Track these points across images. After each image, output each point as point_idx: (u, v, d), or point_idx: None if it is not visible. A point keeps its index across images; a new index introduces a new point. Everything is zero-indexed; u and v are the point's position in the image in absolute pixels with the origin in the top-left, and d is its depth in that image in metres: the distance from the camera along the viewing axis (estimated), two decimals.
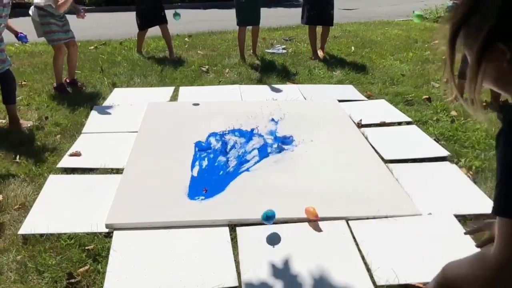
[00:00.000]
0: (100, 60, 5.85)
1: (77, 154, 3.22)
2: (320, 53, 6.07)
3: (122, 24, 6.55)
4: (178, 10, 3.54)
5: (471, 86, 0.89)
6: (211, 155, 3.23)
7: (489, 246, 1.28)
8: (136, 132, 3.63)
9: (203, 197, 2.68)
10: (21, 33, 3.97)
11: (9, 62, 3.72)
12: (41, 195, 2.72)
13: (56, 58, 4.57)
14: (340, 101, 4.40)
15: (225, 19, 8.26)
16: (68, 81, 4.84)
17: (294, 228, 2.43)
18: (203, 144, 3.38)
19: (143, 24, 5.96)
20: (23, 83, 4.91)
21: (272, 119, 3.89)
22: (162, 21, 5.92)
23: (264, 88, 4.83)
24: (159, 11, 5.87)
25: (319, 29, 6.09)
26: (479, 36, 0.85)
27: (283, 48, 6.62)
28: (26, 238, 2.34)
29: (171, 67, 5.61)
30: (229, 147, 3.35)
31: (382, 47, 6.65)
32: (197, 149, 3.30)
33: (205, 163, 3.12)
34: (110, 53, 6.32)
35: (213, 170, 3.03)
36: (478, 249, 2.24)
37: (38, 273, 2.12)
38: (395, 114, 4.06)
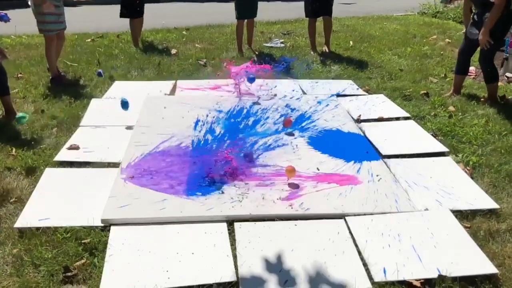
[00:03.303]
0: (97, 53, 5.81)
1: (75, 147, 3.20)
2: (325, 49, 6.02)
3: (119, 17, 6.49)
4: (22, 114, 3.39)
5: None
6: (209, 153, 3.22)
7: None
8: (134, 126, 3.61)
9: (200, 193, 2.67)
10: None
11: None
12: (37, 189, 2.71)
13: (47, 48, 4.58)
14: (338, 95, 4.40)
15: (223, 13, 8.21)
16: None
17: (293, 224, 2.43)
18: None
19: (128, 14, 6.09)
20: (19, 75, 4.88)
21: (267, 117, 3.88)
22: (141, 14, 6.19)
23: (262, 82, 4.80)
24: (141, 4, 6.14)
25: (318, 24, 6.04)
26: None
27: (281, 42, 6.59)
28: (22, 231, 2.34)
29: (168, 60, 5.58)
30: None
31: (381, 42, 6.63)
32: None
33: (203, 159, 3.11)
34: (107, 46, 6.28)
35: (210, 167, 3.02)
36: (474, 245, 2.26)
37: (34, 267, 2.11)
38: (393, 109, 4.06)
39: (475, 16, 4.03)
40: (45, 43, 4.59)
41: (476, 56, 4.37)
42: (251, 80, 4.24)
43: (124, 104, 3.71)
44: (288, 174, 2.80)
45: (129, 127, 3.58)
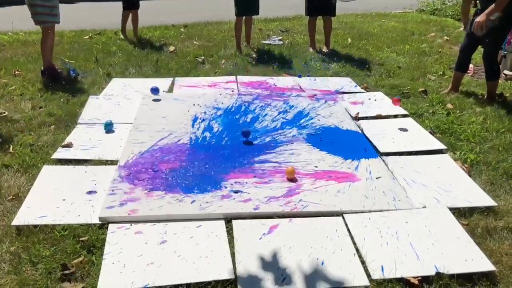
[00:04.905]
0: (95, 50, 5.80)
1: (68, 145, 3.19)
2: (324, 49, 5.99)
3: (117, 13, 6.48)
4: None
5: None
6: (208, 149, 3.22)
7: None
8: (131, 123, 3.61)
9: (198, 191, 2.67)
10: None
11: None
12: (35, 186, 2.70)
13: (43, 40, 4.57)
14: (337, 93, 4.40)
15: (221, 9, 8.20)
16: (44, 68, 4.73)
17: (290, 222, 2.43)
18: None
19: (127, 6, 6.31)
20: (16, 72, 4.86)
21: (266, 114, 3.88)
22: (137, 6, 6.37)
23: (261, 79, 4.81)
24: None
25: (319, 21, 6.01)
26: None
27: (280, 39, 6.58)
28: (19, 229, 2.33)
29: (166, 57, 5.57)
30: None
31: (379, 39, 6.63)
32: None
33: (201, 156, 3.11)
34: (105, 43, 6.26)
35: (208, 165, 3.01)
36: (471, 242, 2.26)
37: (32, 264, 2.11)
38: (391, 106, 4.06)
39: (479, 12, 4.01)
40: (42, 35, 4.58)
41: (475, 54, 4.37)
42: (154, 91, 4.14)
43: (108, 126, 3.49)
44: (288, 175, 2.80)
45: (127, 125, 3.57)
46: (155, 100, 4.08)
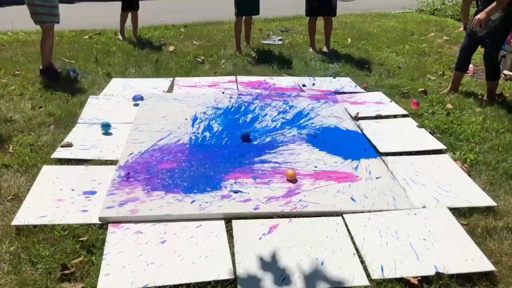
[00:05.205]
0: (95, 50, 5.80)
1: (68, 145, 3.19)
2: (324, 49, 5.98)
3: (117, 13, 6.48)
4: None
5: None
6: (208, 149, 3.22)
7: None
8: (131, 123, 3.60)
9: (197, 191, 2.66)
10: None
11: None
12: (35, 186, 2.70)
13: (43, 40, 4.56)
14: (337, 93, 4.40)
15: (221, 9, 8.20)
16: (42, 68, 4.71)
17: (290, 222, 2.43)
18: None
19: (126, 6, 6.34)
20: (16, 72, 4.86)
21: (265, 114, 3.88)
22: (136, 7, 6.40)
23: (260, 79, 4.81)
24: None
25: (319, 21, 6.00)
26: None
27: (280, 39, 6.58)
28: (19, 229, 2.33)
29: (166, 57, 5.57)
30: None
31: (379, 39, 6.63)
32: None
33: (201, 156, 3.11)
34: (104, 43, 6.27)
35: (208, 165, 3.01)
36: (471, 242, 2.26)
37: (32, 264, 2.11)
38: (391, 106, 4.06)
39: (479, 12, 4.01)
40: (42, 34, 4.58)
41: (475, 54, 4.37)
42: (136, 99, 4.11)
43: (105, 127, 3.45)
44: (288, 177, 2.79)
45: (126, 124, 3.56)
46: (136, 102, 4.03)
